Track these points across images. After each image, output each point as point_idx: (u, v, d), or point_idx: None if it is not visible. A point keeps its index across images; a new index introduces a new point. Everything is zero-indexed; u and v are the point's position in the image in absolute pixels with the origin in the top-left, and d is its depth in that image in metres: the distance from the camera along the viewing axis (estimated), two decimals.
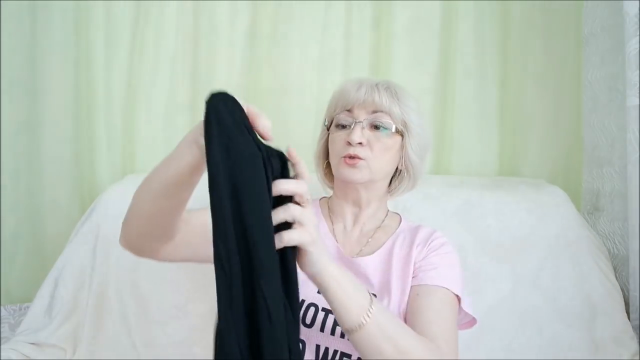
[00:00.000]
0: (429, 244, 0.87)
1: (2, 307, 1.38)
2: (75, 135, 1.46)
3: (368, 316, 0.63)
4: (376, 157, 0.85)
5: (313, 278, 0.63)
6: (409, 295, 0.82)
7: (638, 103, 1.10)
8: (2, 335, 1.26)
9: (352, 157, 0.84)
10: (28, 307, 1.22)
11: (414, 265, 0.84)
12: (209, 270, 0.57)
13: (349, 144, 0.85)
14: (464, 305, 0.83)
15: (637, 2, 1.09)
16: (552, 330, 1.18)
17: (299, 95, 1.46)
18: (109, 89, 1.43)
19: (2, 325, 1.32)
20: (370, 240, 0.90)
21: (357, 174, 0.85)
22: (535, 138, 1.47)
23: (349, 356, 0.79)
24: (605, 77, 1.30)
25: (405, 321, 0.79)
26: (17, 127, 1.44)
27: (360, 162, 0.84)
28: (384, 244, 0.89)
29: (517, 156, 1.49)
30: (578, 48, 1.41)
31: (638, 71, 1.09)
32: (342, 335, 0.78)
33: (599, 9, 1.31)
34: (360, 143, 0.84)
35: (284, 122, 1.45)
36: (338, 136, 0.88)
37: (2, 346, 1.09)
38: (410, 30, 1.45)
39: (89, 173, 1.45)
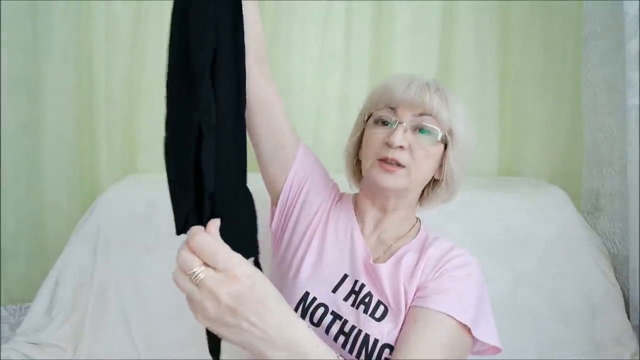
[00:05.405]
0: (444, 264, 0.78)
1: (2, 307, 1.38)
2: (75, 135, 1.46)
3: None
4: (417, 164, 0.77)
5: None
6: (407, 314, 0.74)
7: (638, 103, 1.10)
8: (2, 335, 1.26)
9: (389, 162, 0.76)
10: (28, 307, 1.22)
11: (421, 284, 0.76)
12: None
13: (388, 145, 0.77)
14: (478, 334, 0.73)
15: (637, 2, 1.09)
16: (552, 330, 1.17)
17: (299, 96, 1.46)
18: (109, 89, 1.43)
19: (2, 325, 1.32)
20: (387, 248, 0.83)
21: (391, 181, 0.77)
22: (535, 138, 1.47)
23: None
24: (605, 77, 1.29)
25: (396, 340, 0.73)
26: (18, 128, 1.44)
27: (400, 171, 0.77)
28: (396, 251, 0.82)
29: (517, 156, 1.49)
30: (578, 48, 1.41)
31: (638, 71, 1.09)
32: (344, 346, 0.75)
33: (599, 9, 1.31)
34: (401, 147, 0.76)
35: None
36: (376, 134, 0.80)
37: (2, 346, 1.09)
38: (410, 30, 1.45)
39: (89, 173, 1.45)
